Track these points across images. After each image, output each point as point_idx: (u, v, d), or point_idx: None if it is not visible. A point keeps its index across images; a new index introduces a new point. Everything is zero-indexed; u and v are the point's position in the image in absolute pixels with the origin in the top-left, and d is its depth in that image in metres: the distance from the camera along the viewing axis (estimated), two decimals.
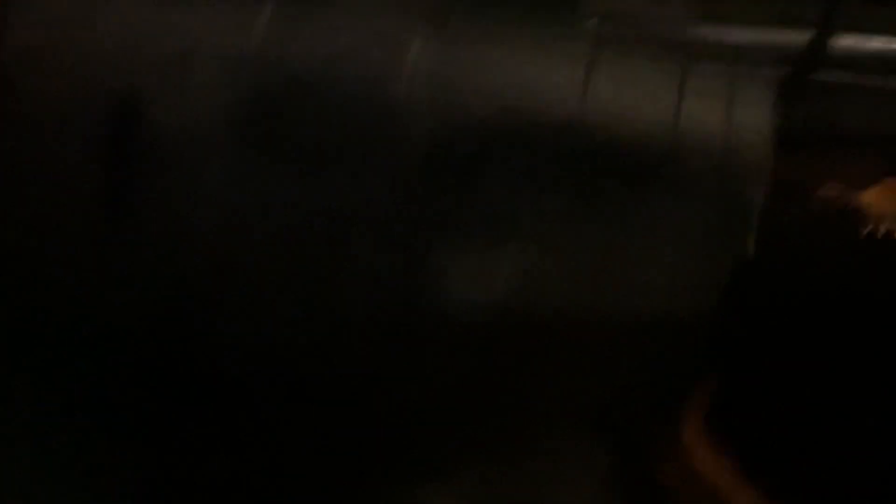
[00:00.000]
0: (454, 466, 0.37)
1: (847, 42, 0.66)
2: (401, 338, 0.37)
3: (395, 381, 0.37)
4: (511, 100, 0.44)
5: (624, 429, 0.44)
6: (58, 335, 0.38)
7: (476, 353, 0.38)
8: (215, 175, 0.40)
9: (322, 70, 0.40)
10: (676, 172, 0.47)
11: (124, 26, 0.41)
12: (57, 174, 0.40)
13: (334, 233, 0.40)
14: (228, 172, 0.40)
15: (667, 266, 0.46)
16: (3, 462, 0.35)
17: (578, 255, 0.46)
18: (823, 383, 0.40)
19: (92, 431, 0.38)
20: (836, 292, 0.44)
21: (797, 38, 0.67)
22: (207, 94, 0.40)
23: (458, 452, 0.37)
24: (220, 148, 0.40)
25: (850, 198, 0.53)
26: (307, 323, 0.38)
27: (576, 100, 0.44)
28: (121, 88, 0.41)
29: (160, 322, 0.39)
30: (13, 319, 0.37)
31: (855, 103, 0.66)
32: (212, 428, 0.38)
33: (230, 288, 0.40)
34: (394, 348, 0.38)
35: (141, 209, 0.40)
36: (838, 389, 0.40)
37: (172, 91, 0.41)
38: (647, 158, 0.46)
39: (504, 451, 0.38)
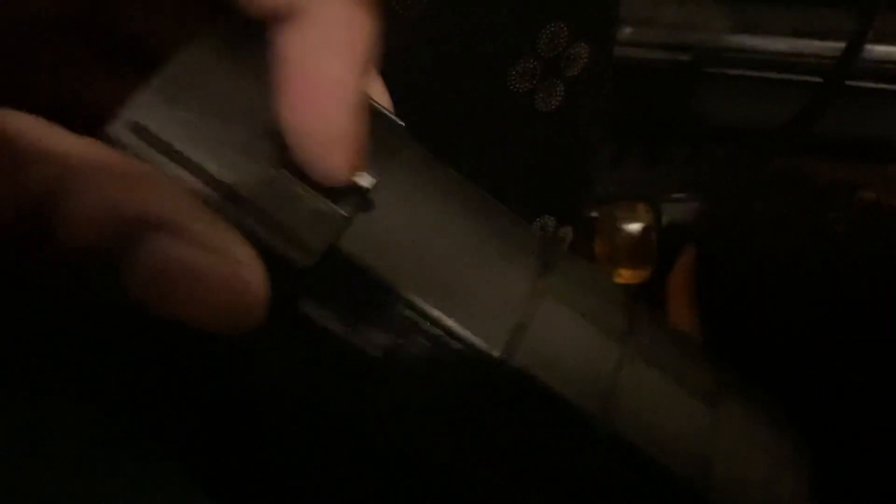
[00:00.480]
0: None
1: (882, 50, 0.67)
2: None
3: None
4: None
5: None
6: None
7: None
8: None
9: None
10: None
11: None
12: None
13: None
14: None
15: None
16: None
17: None
18: (869, 386, 0.40)
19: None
20: (881, 295, 0.43)
21: (831, 47, 0.68)
22: None
23: None
24: None
25: (891, 200, 0.53)
26: None
27: None
28: None
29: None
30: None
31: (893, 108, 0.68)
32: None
33: None
34: None
35: None
36: (883, 393, 0.40)
37: None
38: None
39: None
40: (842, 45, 0.66)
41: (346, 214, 0.27)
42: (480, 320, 0.29)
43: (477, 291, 0.30)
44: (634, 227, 0.59)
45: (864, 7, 0.60)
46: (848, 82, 0.61)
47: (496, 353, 0.29)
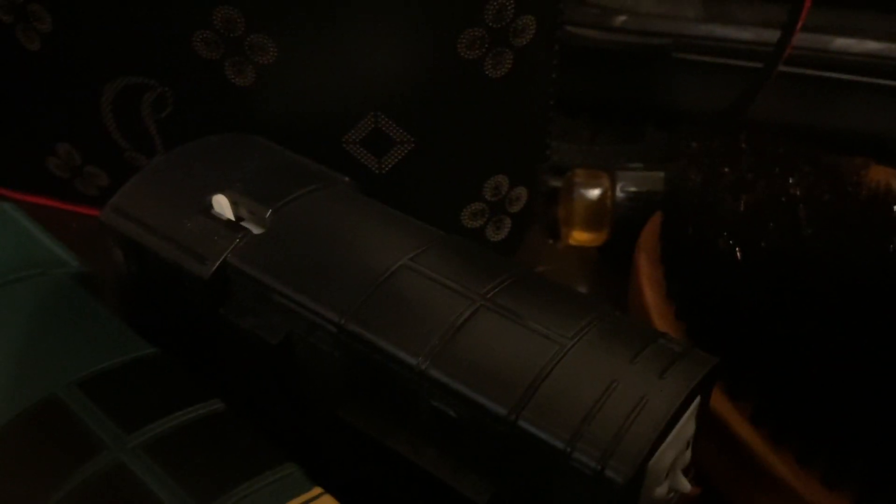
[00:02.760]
0: None
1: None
2: None
3: None
4: None
5: None
6: None
7: None
8: None
9: None
10: None
11: None
12: None
13: None
14: None
15: None
16: None
17: None
18: (866, 364, 0.39)
19: None
20: (886, 274, 0.43)
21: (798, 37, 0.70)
22: None
23: None
24: None
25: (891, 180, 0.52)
26: None
27: None
28: None
29: None
30: None
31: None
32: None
33: None
34: None
35: None
36: (886, 368, 0.39)
37: None
38: None
39: None
40: (807, 35, 0.69)
41: (238, 238, 0.39)
42: (330, 294, 0.36)
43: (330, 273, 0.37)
44: (592, 192, 0.62)
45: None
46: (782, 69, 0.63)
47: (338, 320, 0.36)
